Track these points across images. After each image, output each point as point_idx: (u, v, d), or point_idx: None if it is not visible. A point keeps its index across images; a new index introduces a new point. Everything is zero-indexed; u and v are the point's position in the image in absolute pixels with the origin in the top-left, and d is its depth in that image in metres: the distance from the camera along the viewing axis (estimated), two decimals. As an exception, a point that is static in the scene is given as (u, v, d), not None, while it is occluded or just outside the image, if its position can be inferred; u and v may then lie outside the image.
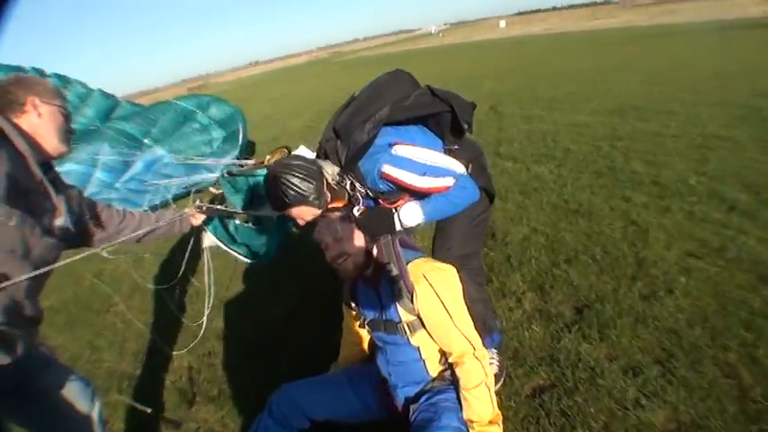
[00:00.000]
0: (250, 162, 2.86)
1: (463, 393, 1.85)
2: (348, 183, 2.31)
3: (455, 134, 2.43)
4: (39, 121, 1.70)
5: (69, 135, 1.84)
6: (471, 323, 1.90)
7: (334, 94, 18.23)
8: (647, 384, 2.43)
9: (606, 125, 7.74)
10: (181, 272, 2.83)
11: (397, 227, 2.24)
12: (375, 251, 2.00)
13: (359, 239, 1.97)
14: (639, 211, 4.38)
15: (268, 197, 2.28)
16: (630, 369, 2.54)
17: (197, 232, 2.65)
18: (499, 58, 24.81)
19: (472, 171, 2.36)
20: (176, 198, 3.92)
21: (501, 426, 1.85)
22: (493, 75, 16.83)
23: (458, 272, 2.02)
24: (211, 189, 3.22)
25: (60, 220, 1.75)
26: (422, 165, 2.17)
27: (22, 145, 1.59)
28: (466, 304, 1.93)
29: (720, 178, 4.85)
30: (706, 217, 4.09)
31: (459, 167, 2.27)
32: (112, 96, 9.22)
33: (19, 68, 7.23)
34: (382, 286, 1.96)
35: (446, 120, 2.37)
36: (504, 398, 2.47)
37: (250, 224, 2.74)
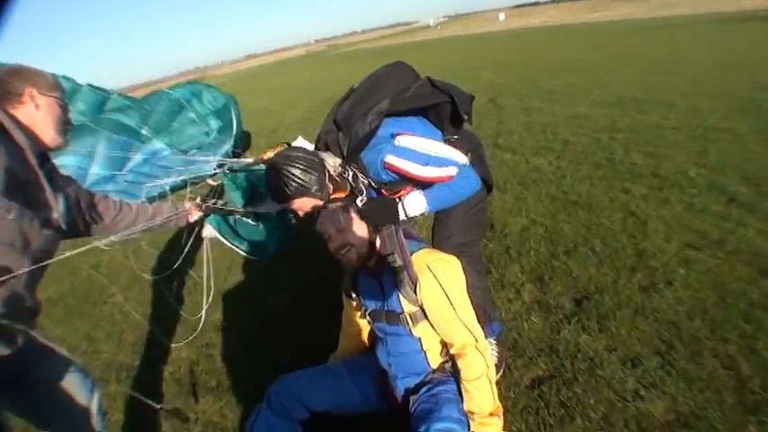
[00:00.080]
0: (249, 159, 2.84)
1: (464, 385, 1.85)
2: (351, 174, 2.31)
3: (454, 125, 2.43)
4: (36, 113, 1.68)
5: (66, 127, 1.82)
6: (474, 315, 1.90)
7: (331, 86, 18.22)
8: (646, 375, 2.43)
9: (606, 117, 7.72)
10: (178, 262, 2.82)
11: (402, 216, 2.25)
12: (378, 241, 1.99)
13: (362, 230, 1.96)
14: (639, 203, 4.37)
15: (270, 189, 2.27)
16: (630, 360, 2.54)
17: (195, 226, 2.63)
18: (498, 50, 24.72)
19: (471, 161, 2.35)
20: (174, 189, 3.89)
21: (501, 417, 1.85)
22: (492, 67, 16.76)
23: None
24: (209, 181, 3.20)
25: (58, 212, 1.74)
26: (424, 155, 2.18)
27: (19, 137, 1.58)
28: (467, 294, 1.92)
29: (720, 170, 4.84)
30: (706, 209, 4.08)
31: (461, 157, 2.27)
32: (102, 90, 9.15)
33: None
34: (385, 276, 1.95)
35: (446, 111, 2.38)
36: (504, 389, 2.46)
37: (250, 220, 2.73)
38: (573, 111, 8.51)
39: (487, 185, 2.52)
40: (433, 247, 2.42)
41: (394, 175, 2.23)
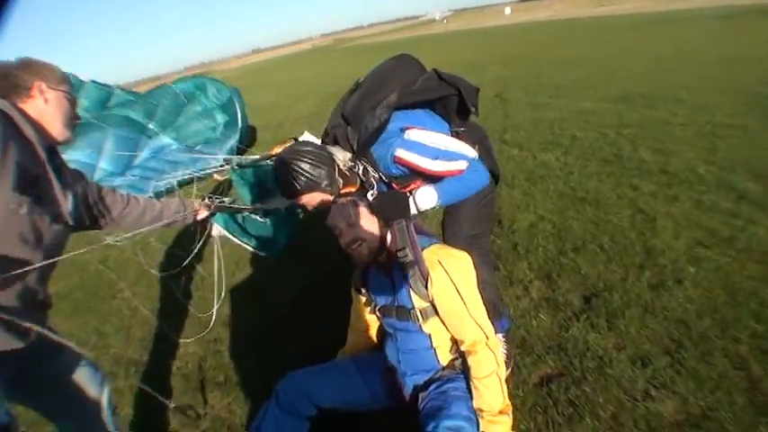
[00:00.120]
0: (256, 155, 2.84)
1: (474, 382, 1.84)
2: (361, 168, 2.30)
3: (461, 117, 2.44)
4: (45, 107, 1.68)
5: (75, 121, 1.82)
6: (485, 311, 1.89)
7: (337, 81, 18.17)
8: (656, 375, 2.42)
9: (613, 112, 7.66)
10: (187, 261, 2.82)
11: (413, 210, 2.24)
12: (389, 236, 1.98)
13: (373, 224, 1.95)
14: (647, 200, 4.34)
15: (279, 184, 2.27)
16: (639, 359, 2.53)
17: (205, 225, 2.63)
18: (504, 44, 24.60)
19: (478, 153, 2.35)
20: (182, 184, 3.90)
21: (510, 416, 1.84)
22: (498, 61, 16.69)
23: (467, 249, 2.04)
24: (215, 176, 3.21)
25: (67, 206, 1.74)
26: (434, 149, 2.17)
27: (29, 131, 1.58)
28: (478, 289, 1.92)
29: (730, 167, 4.79)
30: (715, 206, 4.05)
31: (470, 152, 2.26)
32: (105, 86, 9.16)
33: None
34: (395, 272, 1.95)
35: (453, 103, 2.38)
36: (512, 387, 2.45)
37: (258, 216, 2.72)
38: (580, 106, 8.46)
39: (495, 177, 2.51)
40: (444, 240, 2.44)
41: (404, 168, 2.22)
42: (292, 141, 2.63)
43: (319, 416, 2.13)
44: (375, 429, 2.32)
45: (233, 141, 8.40)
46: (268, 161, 2.73)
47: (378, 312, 2.08)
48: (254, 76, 40.67)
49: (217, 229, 2.62)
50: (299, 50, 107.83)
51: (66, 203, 1.74)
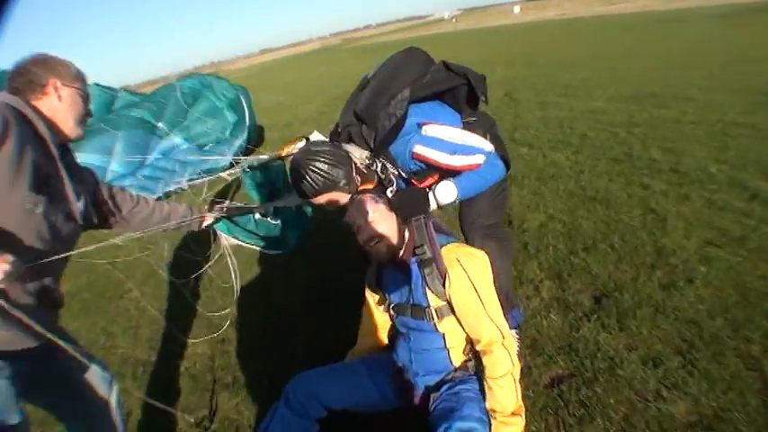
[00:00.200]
0: (264, 156, 2.83)
1: (488, 382, 1.83)
2: (379, 165, 2.30)
3: (470, 106, 2.45)
4: (59, 105, 1.68)
5: (87, 118, 1.82)
6: (501, 311, 1.88)
7: (345, 81, 18.18)
8: (667, 375, 2.39)
9: (623, 111, 7.63)
10: (201, 271, 2.82)
11: (433, 205, 2.26)
12: (407, 233, 1.98)
13: (392, 221, 1.95)
14: (658, 199, 4.31)
15: (296, 186, 2.25)
16: (650, 360, 2.51)
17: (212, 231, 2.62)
18: (513, 43, 24.57)
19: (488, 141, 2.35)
20: (190, 182, 3.91)
21: (523, 417, 1.82)
22: (507, 61, 16.65)
23: (486, 241, 2.13)
24: (223, 175, 3.20)
25: (78, 204, 1.75)
26: (452, 144, 2.17)
27: (42, 129, 1.59)
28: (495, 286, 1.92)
29: (741, 166, 4.75)
30: (726, 205, 4.01)
31: (487, 145, 2.26)
32: (109, 88, 9.13)
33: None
34: (412, 269, 1.94)
35: (462, 92, 2.39)
36: (523, 388, 2.40)
37: (269, 218, 2.71)
38: (589, 105, 8.43)
39: (506, 164, 2.50)
40: (462, 231, 2.50)
41: (422, 164, 2.23)
42: (303, 140, 2.62)
43: (329, 417, 2.11)
44: (385, 431, 2.30)
45: (241, 141, 8.39)
46: (278, 161, 2.72)
47: (392, 311, 2.07)
48: (262, 76, 40.77)
49: (224, 238, 2.61)
50: (307, 50, 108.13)
51: (78, 202, 1.75)
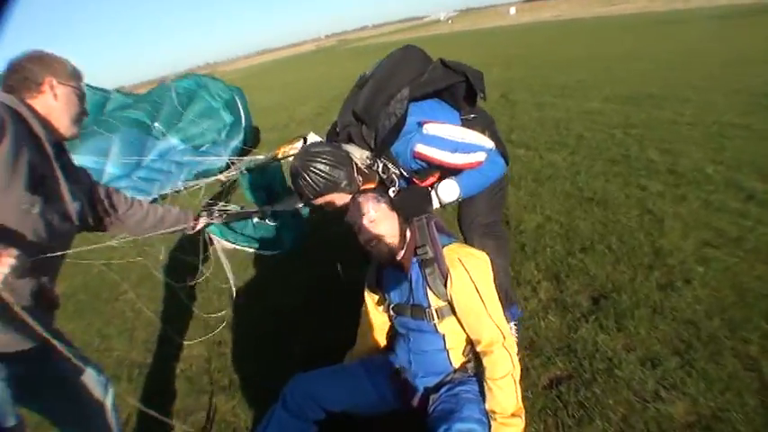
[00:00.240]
0: (261, 156, 2.82)
1: (488, 383, 1.82)
2: (380, 165, 2.29)
3: (468, 103, 2.45)
4: (54, 104, 1.66)
5: (82, 117, 1.81)
6: (502, 311, 1.88)
7: (341, 82, 18.13)
8: (666, 376, 2.39)
9: (620, 113, 7.65)
10: (197, 280, 2.81)
11: (435, 204, 2.27)
12: (409, 233, 1.98)
13: (393, 220, 1.94)
14: (655, 200, 4.32)
15: (297, 187, 2.23)
16: (649, 360, 2.50)
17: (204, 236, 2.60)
18: (509, 45, 24.63)
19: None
20: (188, 186, 3.88)
21: (523, 419, 1.82)
22: (503, 62, 16.67)
23: (485, 239, 2.14)
24: (220, 177, 3.19)
25: (74, 204, 1.73)
26: (453, 142, 2.17)
27: (37, 127, 1.57)
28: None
29: (737, 167, 4.76)
30: (723, 206, 4.02)
31: (487, 142, 2.26)
32: (102, 89, 9.05)
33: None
34: (413, 269, 1.94)
35: (461, 90, 2.40)
36: (521, 389, 2.43)
37: (267, 221, 2.69)
38: (586, 106, 8.45)
39: (505, 160, 2.51)
40: (461, 230, 2.51)
41: (423, 163, 2.23)
42: (301, 140, 2.61)
43: (327, 419, 2.10)
44: (383, 433, 2.30)
45: (237, 142, 8.36)
46: (275, 163, 2.71)
47: (391, 311, 2.07)
48: (259, 76, 40.79)
49: (217, 242, 2.59)
50: (304, 51, 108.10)
51: (74, 202, 1.74)
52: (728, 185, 4.39)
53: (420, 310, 1.91)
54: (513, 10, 78.98)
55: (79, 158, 6.75)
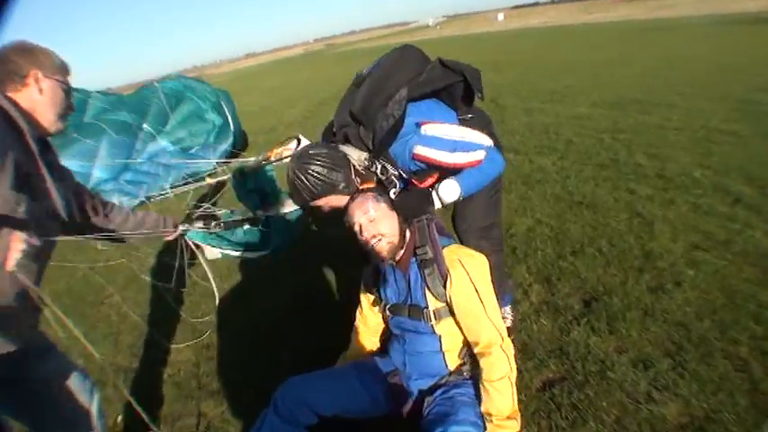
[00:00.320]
0: (251, 159, 2.79)
1: (485, 385, 1.81)
2: (379, 167, 2.26)
3: (466, 102, 2.44)
4: (39, 98, 1.60)
5: (68, 112, 1.75)
6: (500, 313, 1.87)
7: (329, 86, 18.25)
8: (658, 378, 2.39)
9: (608, 118, 7.72)
10: (186, 277, 2.77)
11: (437, 204, 2.25)
12: (408, 233, 1.97)
13: (393, 220, 1.93)
14: (644, 204, 4.35)
15: (293, 190, 2.18)
16: (641, 362, 2.51)
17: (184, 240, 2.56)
18: (497, 50, 24.75)
19: None
20: (174, 186, 3.85)
21: (518, 421, 1.81)
22: (491, 67, 16.73)
23: (481, 242, 2.16)
24: (207, 179, 3.16)
25: (59, 203, 1.68)
26: (451, 141, 2.14)
27: (21, 123, 1.51)
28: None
29: (725, 172, 4.82)
30: (711, 210, 4.06)
31: (486, 140, 2.25)
32: (80, 90, 8.84)
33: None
34: (412, 269, 1.93)
35: (458, 89, 2.39)
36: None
37: (260, 226, 2.65)
38: (574, 111, 8.51)
39: None
40: (456, 233, 2.49)
41: (422, 164, 2.21)
42: (294, 141, 2.58)
43: (319, 424, 2.06)
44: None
45: (226, 146, 8.29)
46: (266, 166, 2.67)
47: (387, 311, 2.05)
48: (247, 80, 40.66)
49: (210, 253, 2.56)
50: (292, 55, 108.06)
51: (59, 200, 1.69)
52: (716, 189, 4.44)
53: (417, 311, 1.91)
54: (501, 16, 79.60)
55: (65, 162, 6.67)
